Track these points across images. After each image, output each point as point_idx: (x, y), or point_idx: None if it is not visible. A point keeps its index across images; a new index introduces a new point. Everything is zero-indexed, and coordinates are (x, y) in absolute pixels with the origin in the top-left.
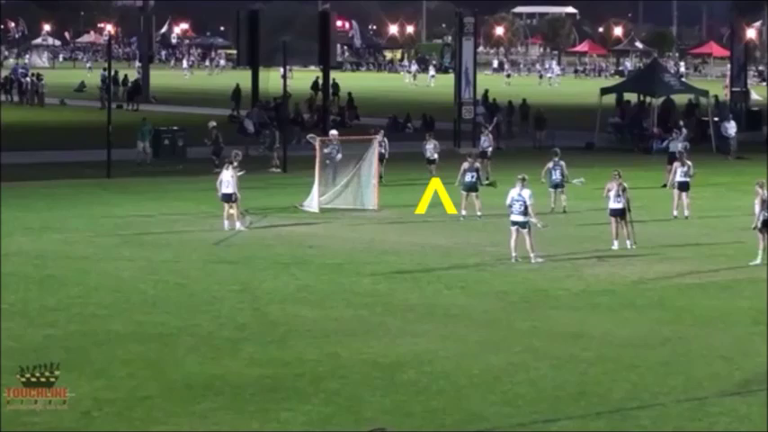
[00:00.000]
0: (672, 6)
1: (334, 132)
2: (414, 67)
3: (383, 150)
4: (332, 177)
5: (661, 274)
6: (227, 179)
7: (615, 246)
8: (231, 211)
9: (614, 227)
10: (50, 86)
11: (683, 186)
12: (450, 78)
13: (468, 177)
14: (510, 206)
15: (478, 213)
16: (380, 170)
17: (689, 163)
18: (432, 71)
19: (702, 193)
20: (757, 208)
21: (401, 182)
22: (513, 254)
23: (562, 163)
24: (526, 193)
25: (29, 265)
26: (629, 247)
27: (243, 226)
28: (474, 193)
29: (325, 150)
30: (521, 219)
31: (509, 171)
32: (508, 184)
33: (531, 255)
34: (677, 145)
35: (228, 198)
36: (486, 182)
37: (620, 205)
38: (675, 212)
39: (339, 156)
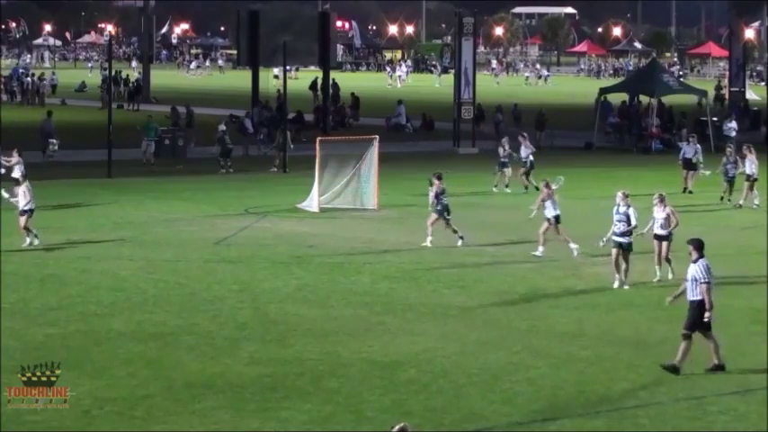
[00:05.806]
0: (671, 7)
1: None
2: (405, 69)
3: (529, 156)
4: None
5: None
6: (25, 191)
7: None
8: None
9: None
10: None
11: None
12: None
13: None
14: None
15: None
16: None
17: (738, 158)
18: (399, 71)
19: (701, 193)
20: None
21: (401, 182)
22: (616, 275)
23: (737, 158)
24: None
25: (29, 265)
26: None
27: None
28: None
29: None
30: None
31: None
32: (512, 185)
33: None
34: (690, 150)
35: (31, 212)
36: None
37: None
38: (757, 202)
39: (15, 173)
